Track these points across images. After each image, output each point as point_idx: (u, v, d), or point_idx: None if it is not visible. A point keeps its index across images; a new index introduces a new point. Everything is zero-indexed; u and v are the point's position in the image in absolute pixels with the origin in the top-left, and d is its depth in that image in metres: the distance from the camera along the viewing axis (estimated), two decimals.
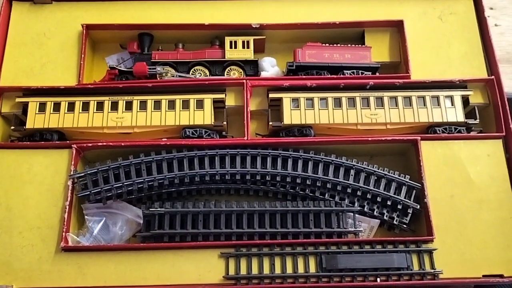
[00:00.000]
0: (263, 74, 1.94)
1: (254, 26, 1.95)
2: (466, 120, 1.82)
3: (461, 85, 1.87)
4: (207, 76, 1.94)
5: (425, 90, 1.85)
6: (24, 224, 1.65)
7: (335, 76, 1.88)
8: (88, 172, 1.70)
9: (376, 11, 2.02)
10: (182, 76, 1.92)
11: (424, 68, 1.92)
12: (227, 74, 1.95)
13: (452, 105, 1.84)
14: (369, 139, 1.77)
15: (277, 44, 2.06)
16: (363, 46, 1.96)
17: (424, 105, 1.83)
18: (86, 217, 1.71)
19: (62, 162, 1.74)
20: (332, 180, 1.72)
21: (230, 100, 1.87)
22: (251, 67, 1.96)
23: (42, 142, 1.77)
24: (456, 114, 1.82)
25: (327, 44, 1.95)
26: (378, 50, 1.98)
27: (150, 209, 1.66)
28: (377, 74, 1.93)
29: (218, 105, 1.88)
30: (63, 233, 1.62)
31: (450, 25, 2.00)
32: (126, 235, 1.72)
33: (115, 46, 2.06)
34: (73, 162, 1.72)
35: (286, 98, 1.84)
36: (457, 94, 1.85)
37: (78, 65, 1.89)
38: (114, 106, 1.82)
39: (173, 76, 1.92)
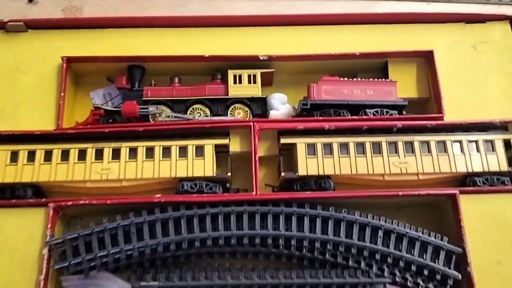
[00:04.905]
0: (273, 114, 1.68)
1: (261, 58, 1.69)
2: (510, 169, 1.56)
3: (502, 126, 1.62)
4: (207, 115, 1.68)
5: (461, 134, 1.60)
6: None
7: (356, 117, 1.63)
8: (68, 237, 1.43)
9: (400, 39, 1.78)
10: (179, 117, 1.65)
11: (458, 106, 1.67)
12: (230, 113, 1.69)
13: (493, 150, 1.59)
14: (399, 194, 1.51)
15: (286, 76, 1.81)
16: (387, 80, 1.71)
17: (461, 152, 1.58)
18: None
19: (37, 224, 1.47)
20: (357, 244, 1.45)
21: (235, 146, 1.62)
22: (259, 105, 1.70)
23: (14, 200, 1.50)
24: (498, 161, 1.57)
25: (345, 78, 1.69)
26: (403, 84, 1.72)
27: (142, 284, 1.39)
28: (404, 112, 1.68)
29: (221, 149, 1.62)
30: None
31: (486, 55, 1.75)
32: None
33: (101, 78, 1.80)
34: (49, 225, 1.45)
35: (301, 144, 1.58)
36: (498, 138, 1.60)
37: (57, 106, 1.63)
38: (99, 155, 1.56)
39: (168, 117, 1.65)
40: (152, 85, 1.73)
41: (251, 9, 2.06)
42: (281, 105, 1.70)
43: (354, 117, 1.62)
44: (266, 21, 1.78)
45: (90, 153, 1.55)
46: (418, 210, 1.64)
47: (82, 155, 1.55)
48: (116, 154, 1.56)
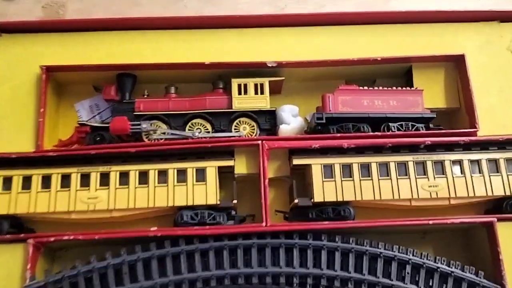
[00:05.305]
0: (283, 128, 1.48)
1: (269, 65, 1.48)
2: None
3: None
4: (209, 131, 1.48)
5: (496, 151, 1.41)
6: None
7: (379, 133, 1.43)
8: (50, 280, 1.24)
9: (425, 41, 1.58)
10: (176, 134, 1.45)
11: (492, 119, 1.48)
12: (235, 128, 1.49)
13: None
14: (430, 222, 1.33)
15: (296, 82, 1.61)
16: (413, 89, 1.51)
17: (498, 172, 1.39)
18: None
19: (15, 262, 1.29)
20: (382, 283, 1.28)
21: (241, 167, 1.43)
22: (267, 119, 1.50)
23: None
24: None
25: (365, 87, 1.49)
26: (430, 93, 1.53)
27: None
28: (431, 125, 1.48)
29: (225, 169, 1.42)
30: None
31: None
32: None
33: (87, 87, 1.59)
34: (29, 265, 1.26)
35: (316, 166, 1.39)
36: None
37: (36, 123, 1.42)
38: (85, 181, 1.36)
39: (164, 135, 1.45)
40: (145, 96, 1.52)
41: (256, 4, 1.85)
42: (292, 118, 1.50)
43: (376, 133, 1.43)
44: (274, 22, 1.57)
45: (75, 179, 1.35)
46: (445, 235, 1.48)
47: (65, 181, 1.36)
48: (104, 179, 1.36)
